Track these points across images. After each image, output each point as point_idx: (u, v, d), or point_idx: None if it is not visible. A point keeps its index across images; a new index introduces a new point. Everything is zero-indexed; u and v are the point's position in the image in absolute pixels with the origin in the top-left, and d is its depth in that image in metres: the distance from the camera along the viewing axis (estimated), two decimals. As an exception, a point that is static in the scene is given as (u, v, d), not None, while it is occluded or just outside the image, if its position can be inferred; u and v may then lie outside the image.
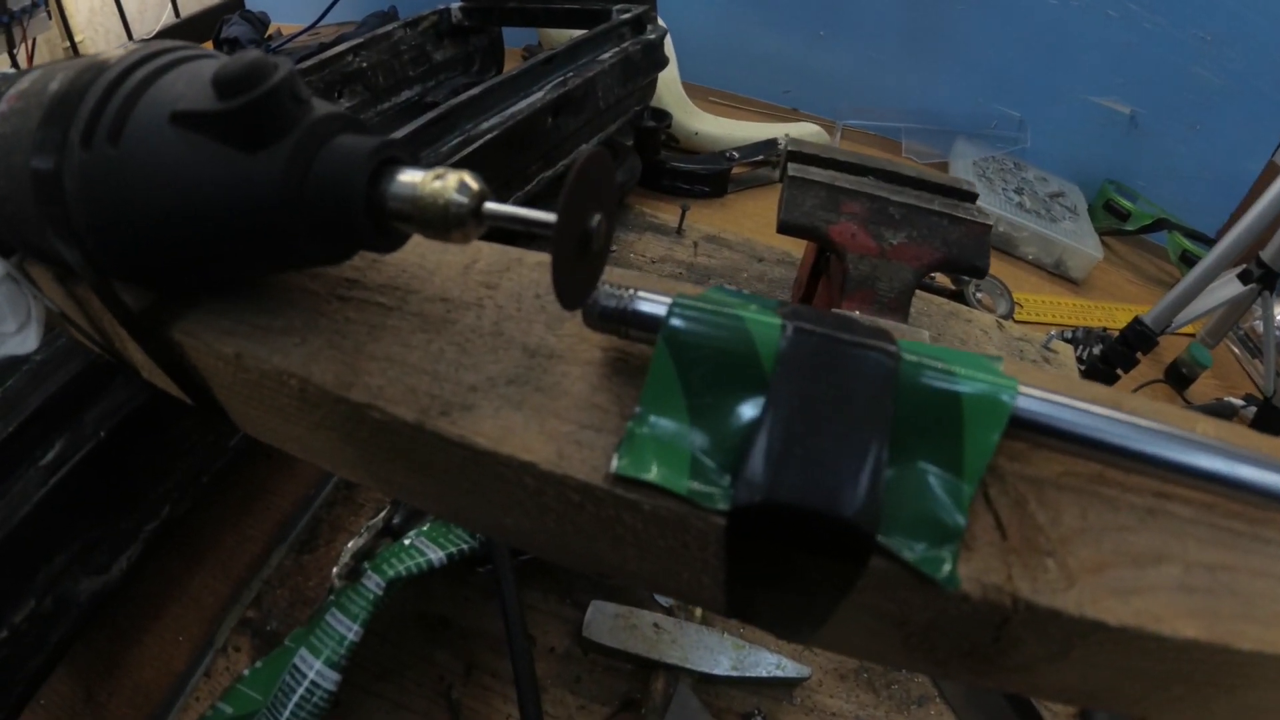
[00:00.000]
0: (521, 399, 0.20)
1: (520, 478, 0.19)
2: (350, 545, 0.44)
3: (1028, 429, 0.18)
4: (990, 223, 0.51)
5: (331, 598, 0.43)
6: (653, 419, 0.19)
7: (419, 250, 0.25)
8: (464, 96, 0.60)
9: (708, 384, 0.18)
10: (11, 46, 1.07)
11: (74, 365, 0.43)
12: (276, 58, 0.19)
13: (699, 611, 0.50)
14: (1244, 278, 0.84)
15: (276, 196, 0.19)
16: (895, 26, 1.23)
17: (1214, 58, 1.11)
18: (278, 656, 0.42)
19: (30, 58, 1.12)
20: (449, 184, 0.18)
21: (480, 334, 0.22)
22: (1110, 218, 1.17)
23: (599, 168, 0.17)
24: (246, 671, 0.42)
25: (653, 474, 0.18)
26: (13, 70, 0.28)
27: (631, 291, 0.20)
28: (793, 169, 0.50)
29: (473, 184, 0.18)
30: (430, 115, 0.58)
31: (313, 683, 0.41)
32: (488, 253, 0.25)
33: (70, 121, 0.21)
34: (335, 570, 0.44)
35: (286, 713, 0.40)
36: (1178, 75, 1.14)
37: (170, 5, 1.42)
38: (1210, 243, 1.08)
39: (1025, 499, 0.19)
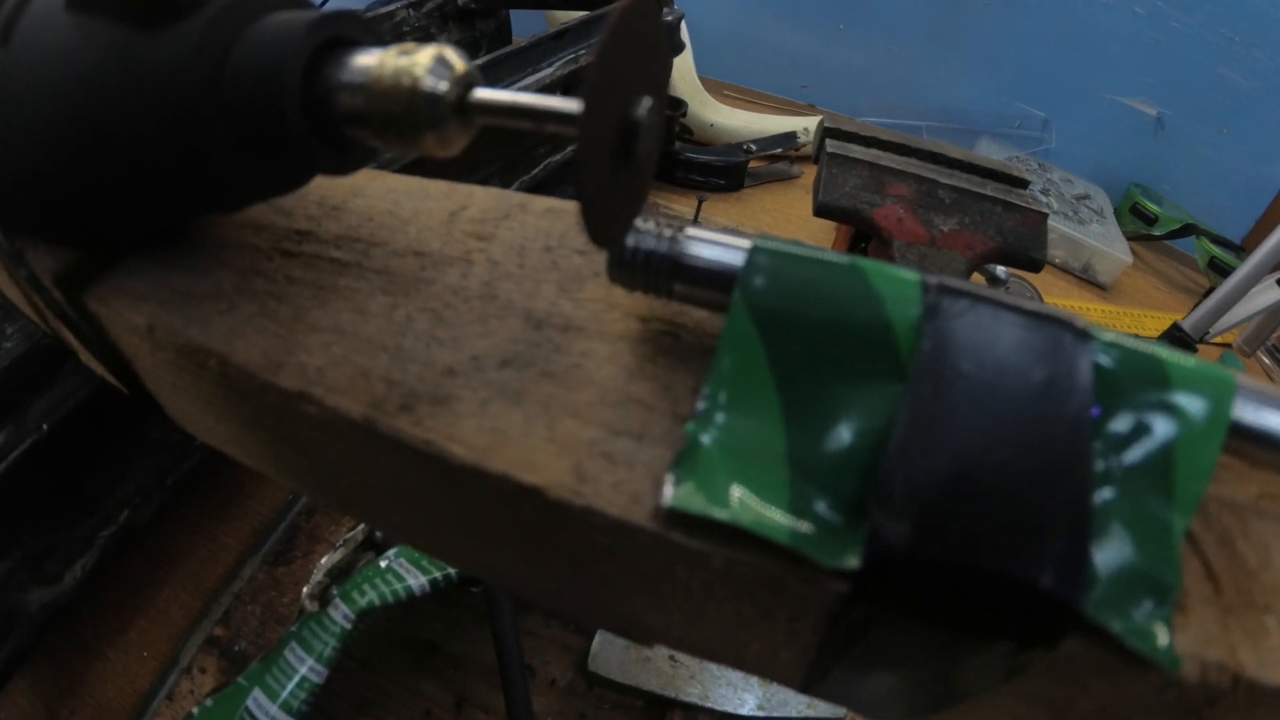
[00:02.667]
0: (521, 388, 0.14)
1: (517, 506, 0.13)
2: (324, 561, 0.39)
3: (1242, 439, 0.13)
4: (1047, 211, 0.46)
5: (293, 629, 0.37)
6: (725, 419, 0.12)
7: (391, 195, 0.19)
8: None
9: (812, 368, 0.12)
10: None
11: (15, 349, 0.37)
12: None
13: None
14: (1284, 283, 0.81)
15: (183, 89, 0.13)
16: (917, 21, 1.19)
17: (1242, 59, 1.09)
18: (230, 695, 0.36)
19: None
20: (419, 61, 0.12)
21: (465, 297, 0.16)
22: (1136, 222, 1.14)
23: (645, 22, 0.11)
24: (195, 710, 0.36)
25: (733, 510, 0.11)
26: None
27: (676, 230, 0.14)
28: (831, 145, 0.44)
29: (455, 61, 0.12)
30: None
31: (267, 731, 0.35)
32: (481, 197, 0.19)
33: None
34: (306, 590, 0.38)
35: (236, 764, 0.34)
36: (1205, 76, 1.11)
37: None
38: (1236, 249, 1.06)
39: (1231, 535, 0.14)
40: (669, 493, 0.12)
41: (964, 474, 0.11)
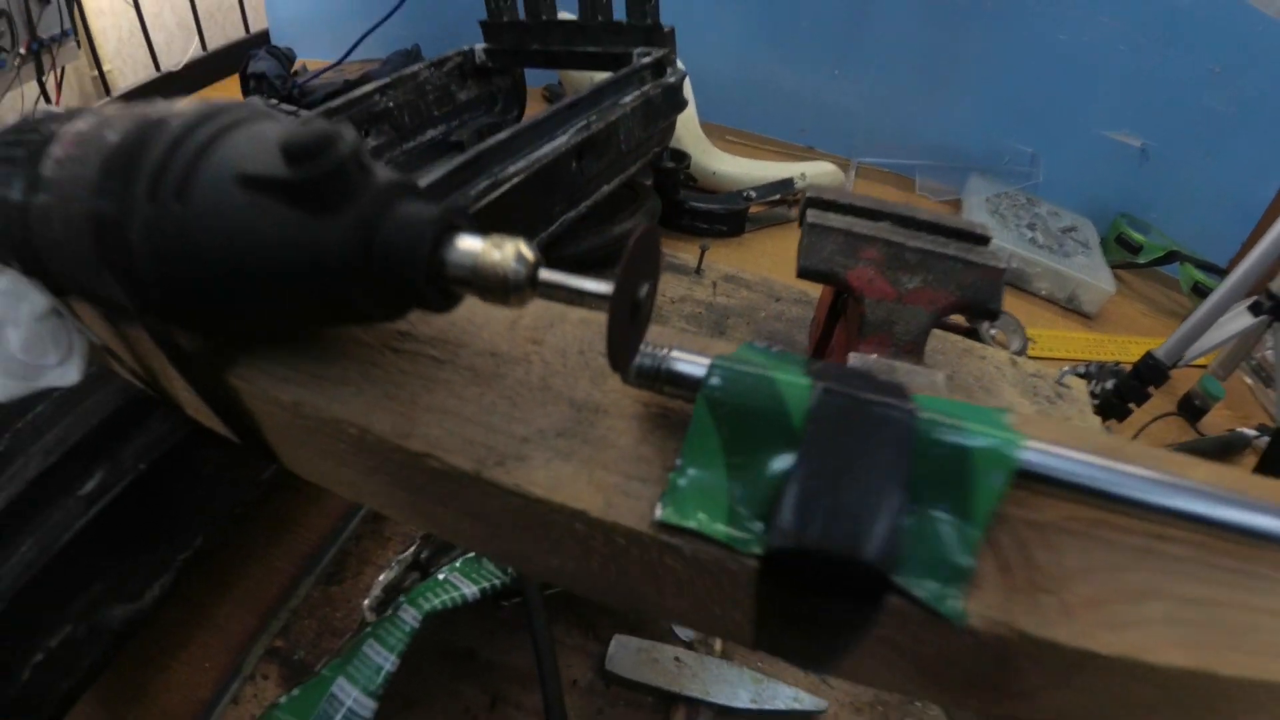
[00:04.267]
0: (571, 450, 0.22)
1: (571, 524, 0.21)
2: (381, 579, 0.46)
3: (1033, 479, 0.20)
4: (1004, 266, 0.52)
5: (368, 629, 0.45)
6: (693, 471, 0.21)
7: (467, 305, 0.26)
8: (491, 141, 0.61)
9: (743, 440, 0.20)
10: (41, 74, 1.09)
11: (113, 399, 0.43)
12: (341, 126, 0.20)
13: (719, 646, 0.51)
14: (1254, 309, 0.84)
15: (343, 261, 0.20)
16: (908, 63, 1.25)
17: (1224, 87, 1.12)
18: (314, 685, 0.43)
19: (59, 86, 1.15)
20: (507, 254, 0.19)
21: (529, 388, 0.24)
22: (1122, 251, 1.18)
23: (650, 242, 0.19)
24: (283, 699, 0.43)
25: (694, 521, 0.20)
26: (57, 108, 0.27)
27: (666, 351, 0.22)
28: (811, 215, 0.51)
29: (528, 254, 0.19)
30: (460, 160, 0.59)
31: (350, 710, 0.42)
32: (531, 308, 0.27)
33: (132, 175, 0.21)
34: (366, 603, 0.45)
35: (324, 738, 0.42)
36: (1189, 106, 1.14)
37: (197, 38, 1.45)
38: (1221, 273, 1.08)
39: (1028, 542, 0.20)
40: (659, 512, 0.20)
41: (827, 500, 0.19)
